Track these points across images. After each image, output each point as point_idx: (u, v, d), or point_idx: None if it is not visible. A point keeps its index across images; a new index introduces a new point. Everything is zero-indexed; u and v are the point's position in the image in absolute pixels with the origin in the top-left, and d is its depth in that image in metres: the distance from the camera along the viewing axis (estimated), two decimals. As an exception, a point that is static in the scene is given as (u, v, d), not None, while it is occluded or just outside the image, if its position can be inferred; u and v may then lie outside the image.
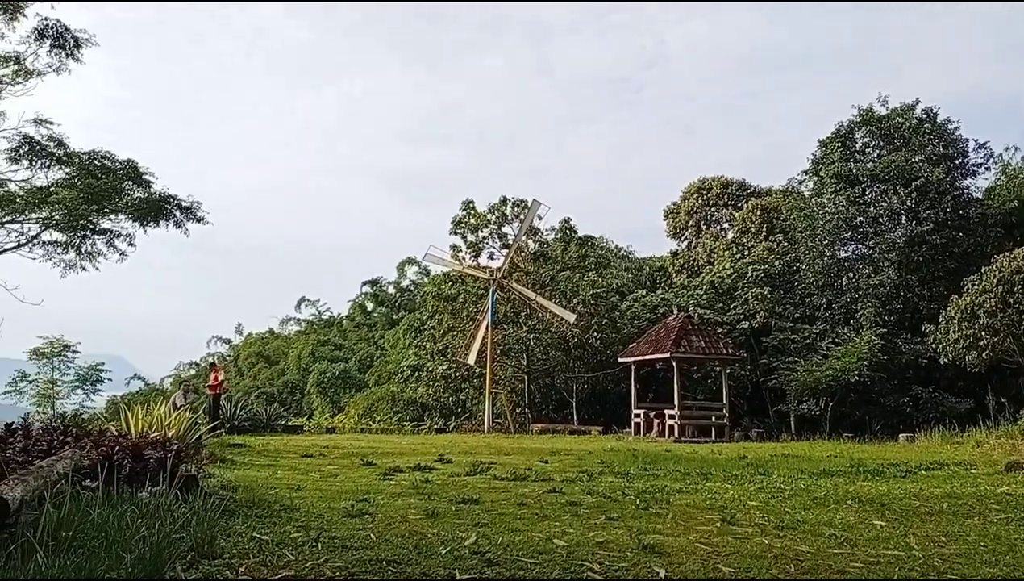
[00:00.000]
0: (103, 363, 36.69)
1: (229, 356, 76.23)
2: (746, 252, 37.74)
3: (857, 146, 33.36)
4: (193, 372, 78.16)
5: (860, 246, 32.24)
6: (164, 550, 4.79)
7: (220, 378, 21.86)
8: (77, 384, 34.22)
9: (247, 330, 77.91)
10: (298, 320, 74.39)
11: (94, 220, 19.92)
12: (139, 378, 63.79)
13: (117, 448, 6.66)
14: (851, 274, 31.60)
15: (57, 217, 19.26)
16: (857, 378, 27.14)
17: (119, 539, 4.85)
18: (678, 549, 6.25)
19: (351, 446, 18.72)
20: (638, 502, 9.03)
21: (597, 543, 6.35)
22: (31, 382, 33.44)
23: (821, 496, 10.15)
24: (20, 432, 9.00)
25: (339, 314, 71.82)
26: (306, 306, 74.44)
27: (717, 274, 35.85)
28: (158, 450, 7.09)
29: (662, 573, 5.42)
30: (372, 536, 6.16)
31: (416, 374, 35.69)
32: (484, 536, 6.43)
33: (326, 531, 6.33)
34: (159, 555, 4.59)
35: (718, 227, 44.73)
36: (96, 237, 20.84)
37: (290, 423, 27.54)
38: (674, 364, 26.90)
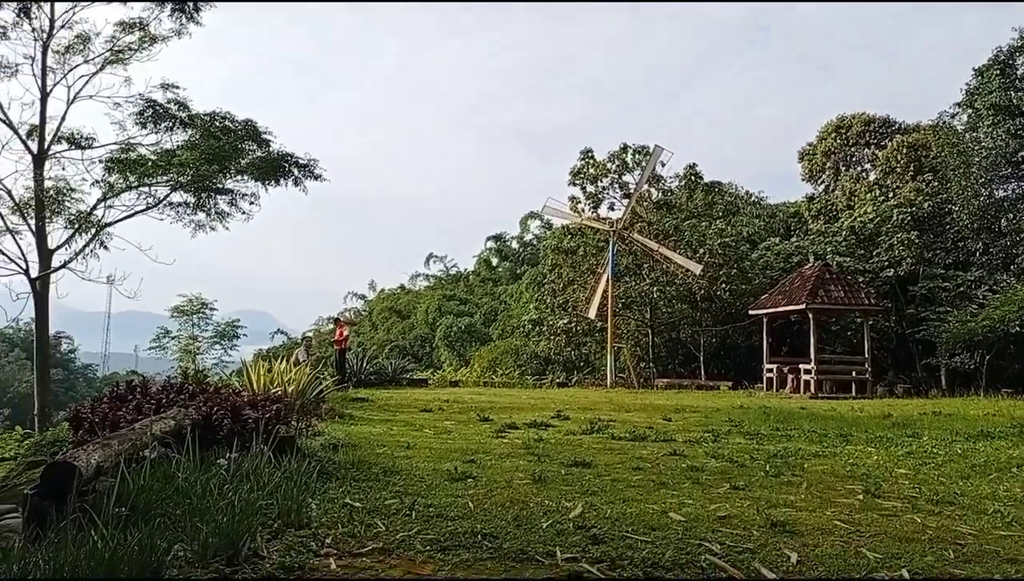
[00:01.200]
0: (239, 319, 38.59)
1: (364, 311, 79.21)
2: (890, 194, 34.91)
3: (1018, 73, 29.81)
4: (331, 327, 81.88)
5: (1022, 184, 29.03)
6: (247, 519, 4.53)
7: (345, 333, 22.30)
8: (216, 340, 36.17)
9: (380, 286, 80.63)
10: (427, 276, 76.20)
11: (217, 180, 20.58)
12: (282, 332, 66.96)
13: (216, 407, 6.57)
14: (1011, 215, 28.56)
15: (183, 179, 20.02)
16: (1018, 328, 24.62)
17: (201, 507, 4.65)
18: (813, 527, 5.50)
19: (471, 401, 18.64)
20: (768, 468, 8.25)
21: (719, 518, 5.69)
22: (173, 338, 35.70)
23: (980, 463, 9.00)
24: (139, 389, 9.23)
25: (465, 269, 72.89)
26: (434, 262, 76.02)
27: (858, 219, 33.35)
28: (259, 409, 6.96)
29: (793, 558, 4.71)
30: (471, 505, 5.75)
31: (537, 328, 35.43)
32: (592, 507, 5.90)
33: (424, 497, 5.99)
34: (238, 525, 4.32)
35: (859, 168, 41.61)
36: (219, 197, 21.57)
37: (415, 377, 27.94)
38: (810, 316, 25.27)
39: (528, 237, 64.35)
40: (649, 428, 12.61)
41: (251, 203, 21.80)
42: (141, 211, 20.73)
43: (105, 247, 19.97)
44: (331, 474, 6.54)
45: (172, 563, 3.92)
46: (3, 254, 18.59)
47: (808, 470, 8.28)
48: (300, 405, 12.61)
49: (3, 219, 18.81)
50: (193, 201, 21.10)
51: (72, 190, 19.89)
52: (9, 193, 18.72)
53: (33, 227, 18.92)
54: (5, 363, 78.08)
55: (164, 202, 20.66)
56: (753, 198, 46.17)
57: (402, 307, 71.75)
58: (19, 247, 18.76)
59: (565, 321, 34.27)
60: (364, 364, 24.95)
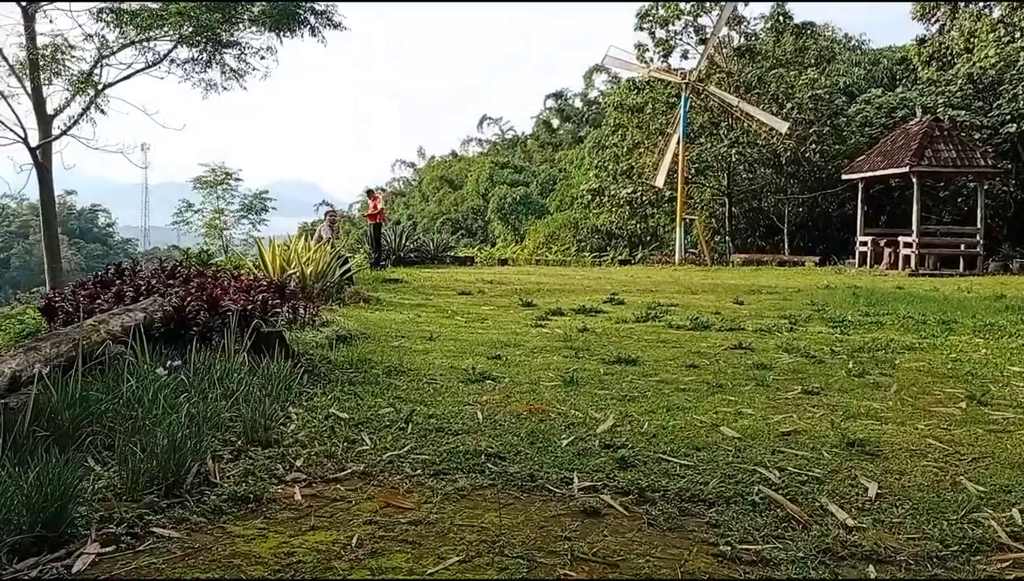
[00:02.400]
0: (267, 191, 38.44)
1: (413, 181, 78.92)
2: (1017, 34, 31.96)
3: None
4: (392, 196, 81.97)
5: None
6: (197, 437, 4.10)
7: (380, 206, 21.82)
8: (242, 214, 36.25)
9: (429, 153, 79.80)
10: (480, 141, 74.91)
11: (223, 31, 19.75)
12: (327, 204, 67.11)
13: (190, 297, 6.14)
14: None
15: (185, 31, 19.24)
16: None
17: (145, 424, 4.23)
18: (900, 447, 4.84)
19: (517, 282, 18.19)
20: (851, 365, 7.56)
21: (782, 434, 5.07)
22: (196, 212, 35.88)
23: (1119, 359, 8.12)
24: (127, 274, 8.92)
25: (522, 133, 71.29)
26: (488, 125, 74.52)
27: (977, 64, 30.75)
28: (247, 298, 6.50)
29: (872, 489, 4.09)
30: (480, 415, 5.25)
31: (597, 199, 34.43)
32: (628, 418, 5.34)
33: (427, 405, 5.51)
34: (183, 446, 3.89)
35: (980, 3, 38.15)
36: (226, 51, 20.79)
37: (460, 254, 27.58)
38: (914, 180, 23.73)
39: (593, 94, 61.99)
40: (715, 314, 11.95)
41: (262, 58, 21.02)
42: (142, 69, 20.20)
43: (102, 111, 19.64)
44: (323, 376, 6.11)
45: (89, 498, 3.51)
46: (-1, 121, 18.43)
47: (900, 368, 7.55)
48: (321, 289, 12.30)
49: (-5, 80, 18.53)
50: (197, 56, 20.39)
51: (72, 47, 19.45)
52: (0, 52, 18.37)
53: (29, 90, 18.61)
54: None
55: (168, 59, 20.07)
56: (852, 42, 43.07)
57: (453, 176, 71.08)
58: (15, 114, 18.58)
59: (629, 190, 33.16)
60: (403, 241, 24.60)
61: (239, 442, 4.50)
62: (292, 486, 4.02)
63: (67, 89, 19.04)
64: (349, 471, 4.25)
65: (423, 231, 51.87)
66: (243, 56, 20.63)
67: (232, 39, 19.95)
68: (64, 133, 18.83)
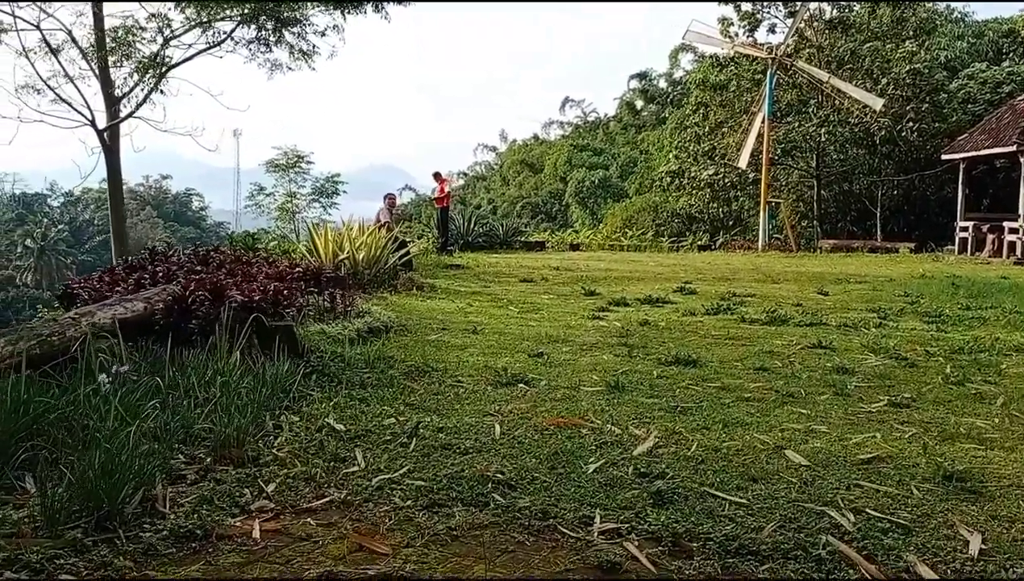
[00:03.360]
0: (338, 175, 38.34)
1: (495, 165, 78.55)
2: None
3: None
4: (461, 182, 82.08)
5: None
6: (144, 456, 3.49)
7: (447, 189, 21.27)
8: (314, 197, 36.23)
9: (511, 137, 79.28)
10: (562, 123, 73.92)
11: (284, 9, 19.37)
12: (410, 188, 67.17)
13: (193, 287, 5.57)
14: None
15: (246, 9, 18.93)
16: None
17: (96, 438, 3.63)
18: (1010, 482, 3.91)
19: (585, 268, 17.36)
20: (948, 370, 6.53)
21: (861, 461, 4.17)
22: (268, 195, 36.01)
23: None
24: (159, 258, 8.49)
25: (605, 115, 69.95)
26: (570, 107, 73.40)
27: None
28: (255, 291, 5.89)
29: (974, 544, 3.19)
30: (497, 429, 4.51)
31: (676, 181, 33.13)
32: (675, 435, 4.52)
33: (441, 414, 4.80)
34: (121, 468, 3.28)
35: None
36: (286, 30, 20.42)
37: (531, 239, 26.82)
38: (1022, 160, 21.85)
39: (678, 74, 60.10)
40: (795, 306, 10.92)
41: (322, 35, 20.53)
42: (205, 49, 20.03)
43: (162, 92, 19.55)
44: (334, 377, 5.46)
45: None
46: (65, 103, 18.52)
47: (1007, 374, 6.50)
48: (373, 275, 11.77)
49: (59, 62, 18.58)
50: (260, 35, 20.08)
51: (142, 29, 19.40)
52: (69, 33, 18.42)
53: (96, 71, 18.64)
54: (137, 221, 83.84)
55: (232, 39, 19.84)
56: (955, 14, 40.37)
57: (534, 160, 70.38)
58: (83, 96, 18.64)
59: (710, 172, 31.77)
60: (472, 225, 23.98)
61: (208, 459, 3.88)
62: (254, 518, 3.37)
63: (133, 71, 19.03)
64: (327, 499, 3.57)
65: (503, 215, 51.39)
66: (303, 34, 20.31)
67: (295, 16, 19.59)
68: (130, 115, 18.87)
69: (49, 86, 18.47)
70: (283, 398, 4.80)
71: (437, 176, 21.00)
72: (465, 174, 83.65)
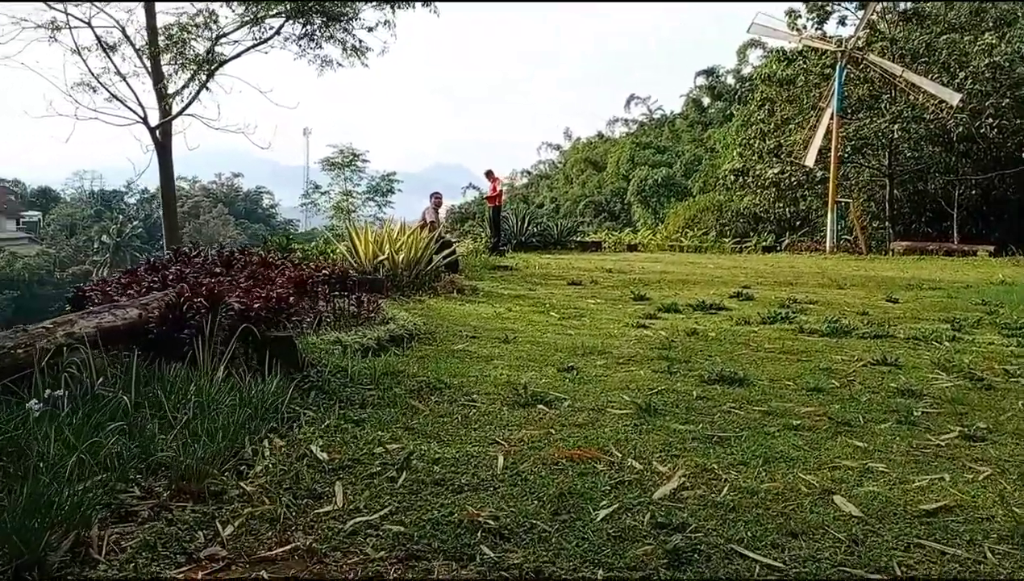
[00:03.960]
0: (394, 173, 38.14)
1: (558, 163, 77.92)
2: None
3: None
4: (525, 181, 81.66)
5: None
6: (81, 492, 3.06)
7: (499, 188, 20.78)
8: (369, 196, 36.09)
9: (575, 135, 78.68)
10: (626, 121, 72.99)
11: (332, 5, 19.08)
12: (474, 187, 67.02)
13: (188, 294, 5.16)
14: None
15: (290, 4, 18.72)
16: None
17: (33, 471, 3.22)
18: (1113, 549, 3.20)
19: (640, 270, 16.68)
20: (1033, 396, 5.75)
21: (925, 513, 3.51)
22: (323, 193, 36.02)
23: None
24: (182, 259, 8.18)
25: (671, 112, 68.73)
26: (635, 104, 72.41)
27: None
28: (257, 299, 5.46)
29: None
30: (501, 462, 3.96)
31: (740, 179, 32.00)
32: (705, 473, 3.92)
33: (441, 442, 4.27)
34: (40, 509, 2.85)
35: None
36: (334, 25, 20.12)
37: (587, 239, 26.15)
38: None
39: (746, 70, 58.54)
40: (861, 315, 10.12)
41: (369, 30, 20.18)
42: (254, 46, 19.90)
43: (207, 88, 19.47)
44: (333, 395, 4.98)
45: None
46: (118, 100, 18.61)
47: (1103, 401, 5.68)
48: (413, 277, 11.34)
49: (111, 59, 18.68)
50: (308, 31, 19.86)
51: (196, 27, 19.37)
52: (123, 30, 18.50)
53: (148, 68, 18.68)
54: (209, 218, 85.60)
55: (280, 35, 19.65)
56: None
57: (597, 158, 69.61)
58: (135, 94, 18.71)
59: (776, 170, 30.56)
60: (526, 224, 23.43)
61: (165, 493, 3.43)
62: (199, 570, 2.90)
63: (179, 67, 19.02)
64: (290, 547, 3.08)
65: (565, 214, 50.71)
66: (350, 29, 20.00)
67: (342, 11, 19.30)
68: (181, 113, 18.85)
69: (102, 84, 18.64)
70: (271, 419, 4.34)
71: (489, 174, 20.52)
72: (528, 173, 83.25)
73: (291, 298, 5.66)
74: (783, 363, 6.87)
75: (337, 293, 7.75)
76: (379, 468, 3.84)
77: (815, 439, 4.58)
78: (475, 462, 3.96)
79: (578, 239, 24.88)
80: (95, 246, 79.81)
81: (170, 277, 6.58)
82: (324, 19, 19.28)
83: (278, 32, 19.43)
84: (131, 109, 18.43)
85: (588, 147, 73.10)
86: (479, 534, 3.17)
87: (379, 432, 4.34)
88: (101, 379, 4.19)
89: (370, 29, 19.83)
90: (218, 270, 7.54)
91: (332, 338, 6.38)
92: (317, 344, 6.07)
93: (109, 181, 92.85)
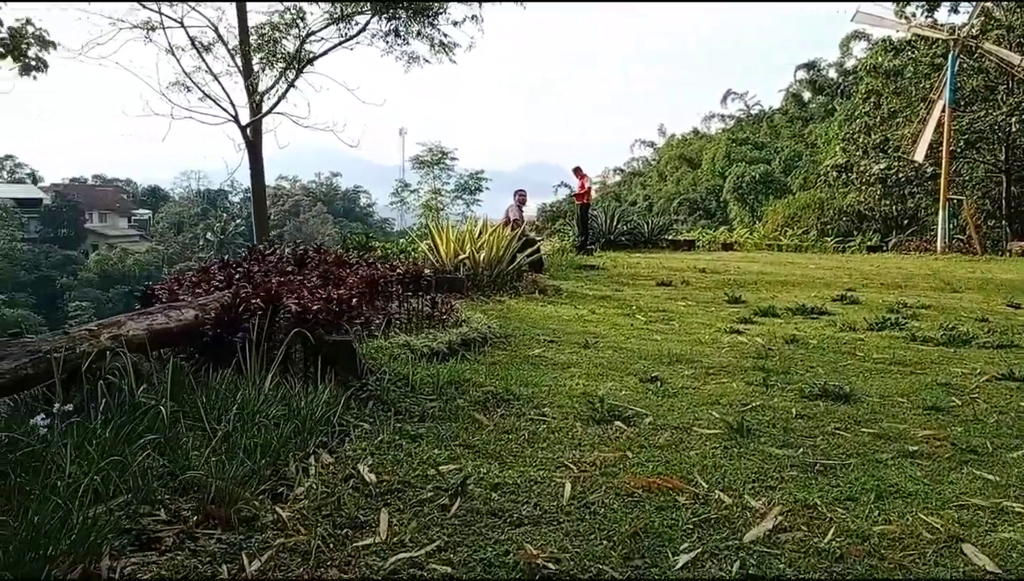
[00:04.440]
0: (483, 171, 37.89)
1: (652, 160, 76.74)
2: None
3: None
4: (618, 178, 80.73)
5: None
6: (92, 524, 2.74)
7: (587, 185, 20.23)
8: (457, 194, 35.95)
9: (670, 131, 77.42)
10: (723, 116, 71.32)
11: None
12: (565, 185, 66.67)
13: (244, 293, 4.87)
14: None
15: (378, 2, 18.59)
16: None
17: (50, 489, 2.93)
18: None
19: (735, 271, 15.88)
20: None
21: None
22: (412, 192, 36.00)
23: None
24: (256, 258, 7.98)
25: (770, 108, 66.70)
26: (732, 100, 70.69)
27: None
28: (316, 300, 5.12)
29: None
30: (568, 489, 3.49)
31: (844, 176, 30.48)
32: (807, 510, 3.35)
33: (503, 463, 3.83)
34: (44, 544, 2.54)
35: None
36: (418, 20, 19.87)
37: (680, 237, 25.28)
38: None
39: (850, 63, 56.16)
40: (981, 322, 9.22)
41: (455, 24, 19.84)
42: (341, 43, 19.86)
43: (293, 86, 19.50)
44: (392, 405, 4.59)
45: None
46: (211, 99, 18.88)
47: None
48: (494, 276, 10.96)
49: (204, 59, 18.94)
50: (388, 27, 19.71)
51: (288, 26, 19.50)
52: (215, 29, 18.76)
53: (239, 66, 18.89)
54: (309, 217, 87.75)
55: (365, 31, 19.56)
56: None
57: (692, 154, 68.24)
58: (226, 93, 18.94)
59: (882, 166, 28.97)
60: (615, 222, 22.76)
61: (194, 517, 3.10)
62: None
63: (269, 65, 19.15)
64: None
65: (659, 212, 49.62)
66: (435, 23, 19.71)
67: (428, 5, 19.04)
68: (270, 111, 18.99)
69: (195, 83, 18.94)
70: (320, 432, 3.98)
71: (577, 171, 19.98)
72: (621, 170, 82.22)
73: (353, 300, 5.31)
74: (895, 376, 6.16)
75: (410, 293, 7.40)
76: (431, 493, 3.43)
77: (936, 469, 3.95)
78: (539, 489, 3.50)
79: (670, 237, 24.06)
80: (200, 243, 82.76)
81: (236, 276, 6.35)
82: (410, 13, 19.10)
83: (364, 28, 19.39)
84: (223, 108, 18.71)
85: (683, 144, 71.69)
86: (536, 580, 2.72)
87: (436, 450, 3.92)
88: (144, 386, 3.90)
89: (456, 23, 19.61)
90: (289, 269, 7.30)
91: (401, 342, 6.02)
92: (384, 348, 5.73)
93: (215, 180, 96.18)
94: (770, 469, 3.87)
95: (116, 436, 3.40)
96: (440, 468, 3.67)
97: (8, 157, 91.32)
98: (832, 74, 57.99)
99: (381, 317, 6.38)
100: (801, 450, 4.19)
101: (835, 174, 31.35)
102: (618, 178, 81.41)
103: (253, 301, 4.90)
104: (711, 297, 11.41)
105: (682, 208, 56.28)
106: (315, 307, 4.89)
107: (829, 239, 28.14)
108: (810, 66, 59.69)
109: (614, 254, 19.69)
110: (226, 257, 8.10)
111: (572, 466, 3.80)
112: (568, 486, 3.52)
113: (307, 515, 3.18)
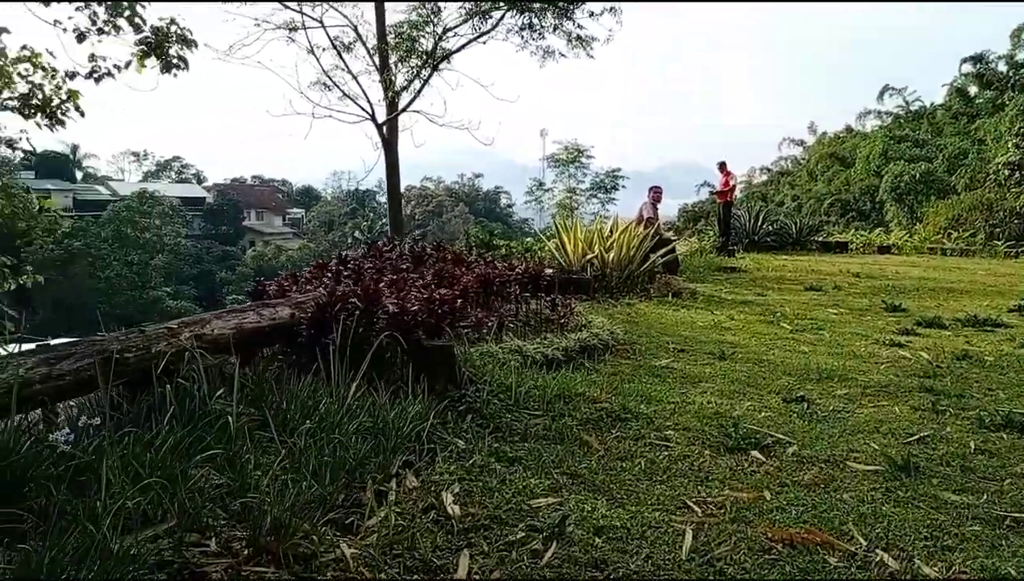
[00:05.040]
0: (619, 169, 36.91)
1: (801, 160, 73.52)
2: None
3: None
4: (764, 178, 77.86)
5: None
6: (117, 561, 2.36)
7: (732, 182, 19.11)
8: (592, 192, 35.13)
9: (821, 129, 73.98)
10: (879, 113, 67.38)
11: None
12: (707, 185, 64.95)
13: (341, 292, 4.48)
14: None
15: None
16: None
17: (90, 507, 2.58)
18: None
19: (894, 275, 14.50)
20: None
21: None
22: (546, 191, 35.46)
23: None
24: (373, 255, 7.70)
25: (931, 103, 62.36)
26: (890, 96, 66.62)
27: None
28: (415, 302, 4.65)
29: None
30: (689, 539, 2.85)
31: (1017, 174, 27.71)
32: (1000, 587, 2.59)
33: (613, 499, 3.22)
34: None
35: None
36: (553, 11, 19.24)
37: (831, 239, 23.60)
38: None
39: (1022, 55, 51.67)
40: None
41: (592, 15, 19.07)
42: (475, 39, 19.55)
43: (428, 83, 19.34)
44: (492, 419, 4.06)
45: None
46: (350, 98, 19.01)
47: None
48: (624, 277, 10.33)
49: (343, 58, 19.09)
50: (523, 21, 19.20)
51: (425, 23, 19.44)
52: (355, 29, 18.87)
53: (377, 65, 18.94)
54: (451, 217, 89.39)
55: (500, 26, 19.20)
56: None
57: (845, 153, 64.71)
58: (364, 92, 19.02)
59: (1064, 163, 26.14)
60: (759, 222, 21.46)
61: (246, 551, 2.67)
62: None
63: (402, 61, 19.12)
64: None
65: (808, 213, 47.21)
66: (570, 14, 19.03)
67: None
68: (406, 109, 18.95)
69: (335, 82, 19.15)
70: (407, 450, 3.51)
71: (722, 166, 18.90)
72: (768, 170, 79.20)
73: (458, 301, 4.84)
74: (1098, 405, 5.12)
75: (529, 294, 6.90)
76: (523, 534, 2.88)
77: None
78: (653, 536, 2.88)
79: (820, 239, 22.49)
80: (348, 241, 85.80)
81: (344, 273, 6.02)
82: (545, 6, 18.57)
83: (498, 23, 19.06)
84: (360, 106, 18.84)
85: (835, 142, 68.12)
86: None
87: (534, 478, 3.36)
88: (220, 391, 3.55)
89: (592, 14, 18.90)
90: (405, 266, 6.95)
91: (512, 346, 5.51)
92: (492, 353, 5.22)
93: (366, 181, 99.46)
94: (946, 522, 3.10)
95: (175, 448, 3.04)
96: (537, 501, 3.12)
97: (176, 158, 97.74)
98: (1002, 67, 53.50)
99: (494, 319, 5.88)
100: (984, 497, 3.38)
101: (1007, 173, 28.63)
102: (764, 178, 78.50)
103: (350, 300, 4.50)
104: (867, 304, 10.31)
105: (833, 209, 53.44)
106: (413, 308, 4.44)
107: (999, 243, 25.66)
108: (977, 59, 55.21)
109: (758, 256, 18.53)
110: (344, 253, 7.85)
111: (696, 507, 3.16)
112: (689, 534, 2.88)
113: (374, 554, 2.70)
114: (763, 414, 4.61)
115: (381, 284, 5.30)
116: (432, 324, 4.51)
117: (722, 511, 3.12)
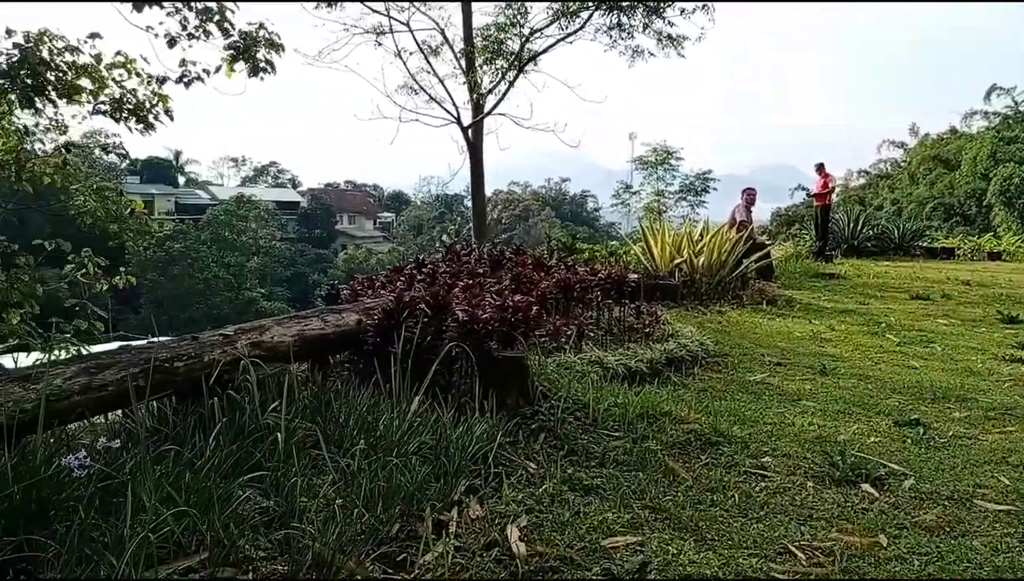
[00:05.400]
0: (710, 171, 35.89)
1: (902, 162, 70.76)
2: None
3: None
4: (862, 181, 75.16)
5: None
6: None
7: (831, 184, 18.20)
8: (681, 195, 34.20)
9: (923, 131, 71.03)
10: (986, 113, 64.17)
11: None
12: (803, 188, 63.18)
13: (408, 298, 4.18)
14: None
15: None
16: None
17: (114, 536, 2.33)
18: None
19: (1007, 283, 13.48)
20: None
21: None
22: (633, 193, 34.66)
23: None
24: (452, 258, 7.46)
25: (1043, 104, 58.99)
26: (997, 95, 63.42)
27: None
28: (486, 310, 4.31)
29: None
30: (792, 596, 2.43)
31: None
32: None
33: (702, 540, 2.82)
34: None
35: None
36: (637, 9, 18.62)
37: (935, 244, 22.26)
38: None
39: None
40: None
41: (682, 13, 18.37)
42: (562, 38, 19.12)
43: (513, 85, 18.98)
44: (566, 440, 3.69)
45: None
46: (436, 102, 18.87)
47: None
48: (714, 284, 9.82)
49: (428, 61, 18.96)
50: (612, 20, 18.66)
51: (511, 25, 19.18)
52: (443, 32, 18.73)
53: (463, 68, 18.74)
54: (538, 221, 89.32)
55: (587, 26, 18.74)
56: None
57: (949, 155, 61.81)
58: (449, 95, 18.85)
59: None
60: (859, 227, 20.39)
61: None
62: None
63: (488, 63, 18.87)
64: None
65: (909, 218, 45.21)
66: (662, 14, 18.41)
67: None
68: (491, 111, 18.70)
69: (421, 86, 19.07)
70: (472, 473, 3.19)
71: (820, 168, 17.99)
72: (866, 173, 76.47)
73: (533, 308, 4.49)
74: None
75: (612, 300, 6.49)
76: (597, 579, 2.51)
77: None
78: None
79: (924, 244, 21.24)
80: (436, 245, 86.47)
81: (419, 277, 5.76)
82: (634, 2, 18.03)
83: (586, 23, 18.63)
84: (446, 109, 18.70)
85: (938, 143, 65.17)
86: None
87: (612, 512, 2.98)
88: (276, 404, 3.30)
89: (684, 12, 18.25)
90: (481, 271, 6.65)
91: (592, 357, 5.13)
92: (570, 364, 4.86)
93: (452, 186, 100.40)
94: (1107, 583, 2.59)
95: (219, 467, 2.79)
96: (614, 540, 2.74)
97: (272, 163, 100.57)
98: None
99: (572, 327, 5.51)
100: None
101: None
102: (862, 181, 75.80)
103: (419, 306, 4.22)
104: (980, 315, 9.52)
105: (936, 213, 51.08)
106: (484, 316, 4.11)
107: (1126, 249, 23.83)
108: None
109: (857, 261, 17.57)
110: (421, 256, 7.62)
111: (799, 552, 2.72)
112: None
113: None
114: (872, 439, 4.11)
115: (455, 289, 5.02)
116: (504, 332, 4.17)
117: (830, 559, 2.68)
